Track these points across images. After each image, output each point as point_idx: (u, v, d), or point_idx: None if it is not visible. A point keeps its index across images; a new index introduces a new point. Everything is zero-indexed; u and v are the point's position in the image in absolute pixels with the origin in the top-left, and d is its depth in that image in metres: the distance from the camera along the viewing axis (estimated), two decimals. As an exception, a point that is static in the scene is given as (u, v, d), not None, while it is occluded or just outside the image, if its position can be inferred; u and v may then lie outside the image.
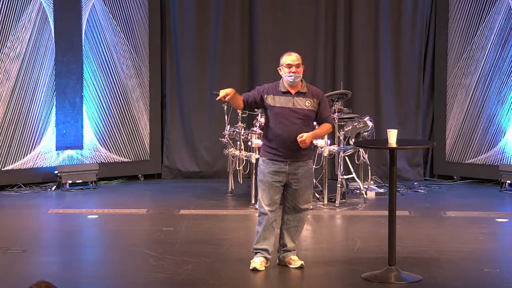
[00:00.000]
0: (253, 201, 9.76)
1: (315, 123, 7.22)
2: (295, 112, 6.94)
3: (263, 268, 6.99)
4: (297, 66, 6.96)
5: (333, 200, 9.96)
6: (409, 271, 6.92)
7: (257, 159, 9.14)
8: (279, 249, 7.18)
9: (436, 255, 7.60)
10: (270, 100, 6.97)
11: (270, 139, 6.99)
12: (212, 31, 11.83)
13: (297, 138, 6.85)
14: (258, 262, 7.00)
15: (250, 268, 7.00)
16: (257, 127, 9.83)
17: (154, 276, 6.92)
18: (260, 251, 7.03)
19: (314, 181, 10.20)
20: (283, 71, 7.00)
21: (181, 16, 11.82)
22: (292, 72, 6.95)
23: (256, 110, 7.64)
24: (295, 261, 7.10)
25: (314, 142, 9.94)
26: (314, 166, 10.14)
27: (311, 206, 9.67)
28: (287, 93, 6.98)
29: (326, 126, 7.12)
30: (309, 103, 6.99)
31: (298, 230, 7.16)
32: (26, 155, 10.98)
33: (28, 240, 8.23)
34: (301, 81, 7.05)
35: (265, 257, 7.03)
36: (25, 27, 10.82)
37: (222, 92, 6.94)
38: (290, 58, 6.99)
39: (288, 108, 6.94)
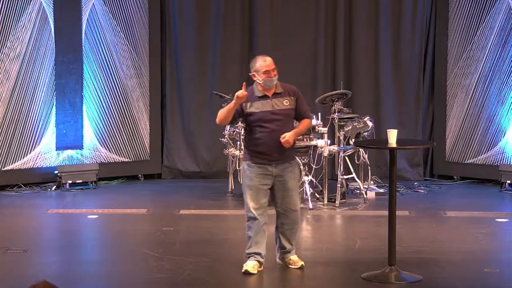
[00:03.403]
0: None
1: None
2: (276, 114, 6.91)
3: (255, 272, 6.95)
4: (273, 70, 6.93)
5: (333, 200, 9.96)
6: (409, 271, 6.92)
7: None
8: (278, 251, 7.16)
9: (436, 255, 7.60)
10: (249, 107, 6.92)
11: (255, 144, 6.93)
12: (212, 31, 11.83)
13: (280, 139, 6.83)
14: (250, 265, 6.97)
15: (242, 271, 6.95)
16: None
17: (154, 276, 6.92)
18: (252, 255, 7.01)
19: (314, 181, 10.21)
20: (260, 77, 6.91)
21: (181, 16, 11.82)
22: (272, 77, 6.90)
23: (238, 122, 7.49)
24: (295, 262, 7.09)
25: (314, 142, 9.96)
26: (314, 166, 10.18)
27: (310, 205, 9.68)
28: (264, 97, 6.94)
29: (306, 122, 7.10)
30: (287, 102, 6.97)
31: (294, 232, 7.10)
32: (26, 155, 10.98)
33: (28, 240, 8.23)
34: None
35: (258, 261, 6.99)
36: (25, 27, 10.82)
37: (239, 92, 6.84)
38: (266, 64, 6.91)
39: (268, 112, 6.90)
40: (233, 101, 6.83)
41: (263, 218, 6.98)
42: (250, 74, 7.00)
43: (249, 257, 7.01)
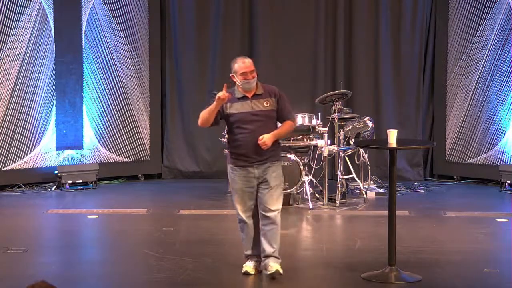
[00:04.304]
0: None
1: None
2: (255, 115, 6.84)
3: (255, 272, 6.95)
4: (251, 72, 6.87)
5: (333, 200, 9.96)
6: (409, 271, 6.92)
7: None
8: (260, 257, 6.96)
9: (436, 255, 7.60)
10: (229, 108, 6.87)
11: (235, 145, 6.87)
12: (212, 31, 11.84)
13: (258, 140, 6.75)
14: (250, 266, 6.94)
15: (242, 271, 6.92)
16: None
17: (154, 276, 6.92)
18: (251, 256, 6.99)
19: (314, 181, 10.21)
20: (238, 79, 6.86)
21: (181, 16, 11.82)
22: (249, 79, 6.85)
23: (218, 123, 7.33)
24: (272, 267, 6.80)
25: (314, 142, 9.96)
26: (314, 166, 10.18)
27: (310, 205, 9.68)
28: (244, 98, 6.88)
29: (287, 124, 6.98)
30: (267, 103, 6.89)
31: (273, 232, 6.88)
32: (26, 155, 10.98)
33: (28, 240, 8.23)
34: (256, 83, 6.99)
35: (257, 261, 6.97)
36: (25, 27, 10.82)
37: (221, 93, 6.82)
38: (244, 66, 6.87)
39: (248, 113, 6.83)
40: (215, 103, 6.75)
41: (252, 219, 6.93)
42: (230, 75, 6.95)
43: (248, 258, 7.00)
